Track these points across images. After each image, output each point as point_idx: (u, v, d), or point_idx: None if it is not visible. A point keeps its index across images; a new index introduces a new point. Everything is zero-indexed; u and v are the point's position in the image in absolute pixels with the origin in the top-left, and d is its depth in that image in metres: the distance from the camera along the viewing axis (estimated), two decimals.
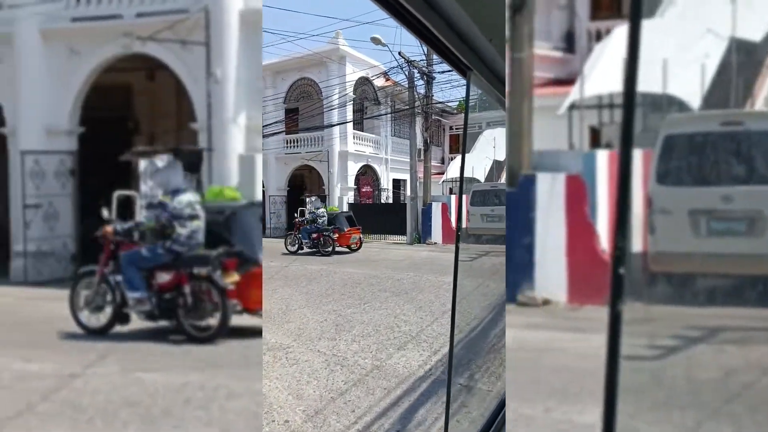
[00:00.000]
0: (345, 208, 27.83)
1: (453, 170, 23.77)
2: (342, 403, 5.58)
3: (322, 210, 20.91)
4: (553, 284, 6.92)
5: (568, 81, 10.08)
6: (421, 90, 25.30)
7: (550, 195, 6.82)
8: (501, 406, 3.13)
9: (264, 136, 29.38)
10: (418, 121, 26.02)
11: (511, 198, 6.98)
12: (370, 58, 29.48)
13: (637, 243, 7.22)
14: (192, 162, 9.93)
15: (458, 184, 26.02)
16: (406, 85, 25.73)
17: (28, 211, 11.08)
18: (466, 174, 23.73)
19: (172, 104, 12.59)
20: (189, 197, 7.21)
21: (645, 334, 5.72)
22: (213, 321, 6.83)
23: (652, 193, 6.82)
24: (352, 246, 21.00)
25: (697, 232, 6.47)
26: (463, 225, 20.62)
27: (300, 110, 30.44)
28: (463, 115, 28.54)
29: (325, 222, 20.46)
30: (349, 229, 20.98)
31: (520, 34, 6.97)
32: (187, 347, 6.70)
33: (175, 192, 7.13)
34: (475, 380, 6.08)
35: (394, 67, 24.92)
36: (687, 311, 6.46)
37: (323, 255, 19.67)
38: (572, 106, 9.32)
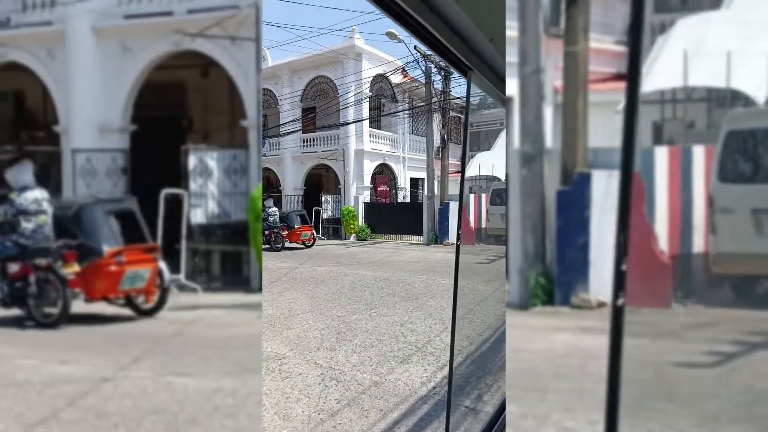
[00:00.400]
0: (360, 208, 28.62)
1: (473, 168, 23.63)
2: (331, 426, 5.23)
3: (273, 209, 22.80)
4: (608, 286, 6.88)
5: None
6: (439, 85, 25.22)
7: (605, 193, 6.80)
8: (501, 409, 3.09)
9: (280, 135, 30.09)
10: (436, 118, 25.93)
11: (564, 196, 6.98)
12: (388, 53, 29.63)
13: (698, 244, 7.16)
14: (44, 162, 10.52)
15: (478, 182, 25.87)
16: (424, 81, 25.72)
17: None
18: (487, 172, 23.61)
19: (226, 102, 12.86)
20: (36, 194, 8.08)
21: (706, 340, 5.69)
22: (56, 309, 7.58)
23: (713, 192, 6.76)
24: (306, 242, 23.20)
25: (760, 231, 6.40)
26: (483, 225, 20.50)
27: (317, 109, 30.77)
28: (483, 111, 28.30)
29: (277, 220, 22.41)
30: (300, 226, 22.98)
31: (575, 27, 6.98)
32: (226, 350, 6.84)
33: (23, 189, 8.01)
34: (483, 402, 5.72)
35: (410, 62, 24.85)
36: (749, 315, 6.37)
37: (275, 250, 21.53)
38: None
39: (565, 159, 7.17)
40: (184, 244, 10.05)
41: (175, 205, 10.03)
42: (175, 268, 9.92)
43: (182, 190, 10.14)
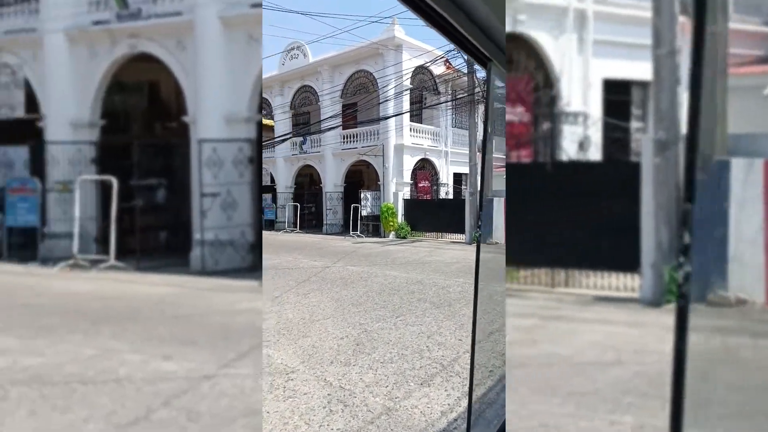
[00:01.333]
0: (400, 204, 28.66)
1: None
2: None
3: None
4: (749, 283, 6.76)
5: None
6: (482, 74, 24.58)
7: (745, 182, 6.67)
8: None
9: (321, 132, 30.95)
10: (480, 110, 25.34)
11: (701, 186, 6.90)
12: (428, 43, 29.42)
13: None
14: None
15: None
16: (466, 71, 25.30)
17: (205, 199, 11.87)
18: None
19: None
20: None
21: None
22: None
23: None
24: None
25: None
26: None
27: (357, 104, 31.10)
28: None
29: None
30: None
31: (713, 6, 6.85)
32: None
33: None
34: None
35: (451, 50, 24.28)
36: None
37: None
38: None
39: (703, 146, 7.07)
40: None
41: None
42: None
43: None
